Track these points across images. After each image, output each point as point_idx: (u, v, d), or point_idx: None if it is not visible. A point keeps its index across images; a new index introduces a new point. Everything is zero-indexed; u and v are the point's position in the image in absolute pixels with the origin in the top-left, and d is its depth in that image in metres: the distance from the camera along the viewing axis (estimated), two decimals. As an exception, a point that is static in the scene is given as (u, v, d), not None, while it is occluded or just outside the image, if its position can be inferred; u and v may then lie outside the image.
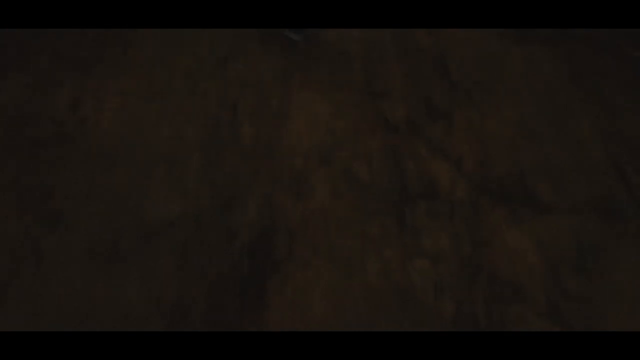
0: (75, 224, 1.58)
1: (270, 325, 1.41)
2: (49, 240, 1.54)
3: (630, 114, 2.08)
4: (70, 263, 1.50)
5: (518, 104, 2.13)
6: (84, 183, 1.67)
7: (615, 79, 2.23)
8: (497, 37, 2.47)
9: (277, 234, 1.60)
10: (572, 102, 2.11)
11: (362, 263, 1.57)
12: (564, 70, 2.28)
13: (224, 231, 1.59)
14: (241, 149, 1.80)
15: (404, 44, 2.37)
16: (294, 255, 1.56)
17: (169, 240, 1.56)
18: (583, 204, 1.79)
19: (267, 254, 1.56)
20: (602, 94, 2.15)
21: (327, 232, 1.62)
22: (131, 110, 1.88)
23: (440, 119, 2.08)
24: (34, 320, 1.38)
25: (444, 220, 1.71)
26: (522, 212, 1.77)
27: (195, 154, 1.77)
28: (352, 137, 1.90)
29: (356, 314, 1.46)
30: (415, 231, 1.66)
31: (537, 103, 2.13)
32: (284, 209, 1.65)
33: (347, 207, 1.69)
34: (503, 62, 2.33)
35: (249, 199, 1.67)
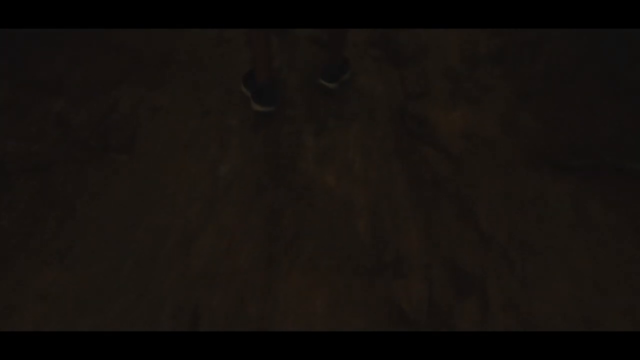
0: None
1: None
2: None
3: None
4: None
5: (571, 272, 1.52)
6: None
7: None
8: (527, 166, 1.86)
9: None
10: (648, 279, 1.49)
11: None
12: (621, 221, 1.66)
13: None
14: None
15: (418, 182, 1.77)
16: None
17: None
18: None
19: None
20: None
21: None
22: (53, 320, 1.27)
23: (471, 295, 1.46)
24: None
25: None
26: None
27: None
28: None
29: None
30: None
31: (597, 273, 1.52)
32: None
33: None
34: (543, 206, 1.72)
35: None
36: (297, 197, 1.63)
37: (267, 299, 1.34)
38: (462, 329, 1.36)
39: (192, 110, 1.95)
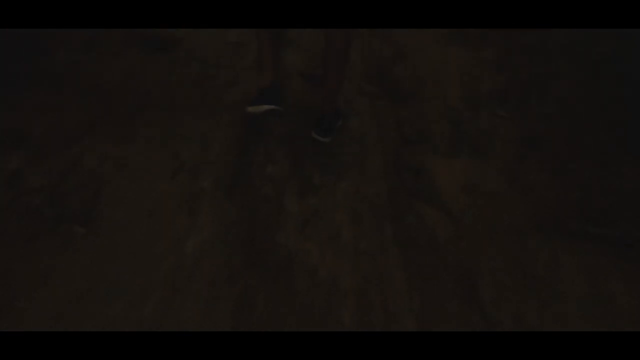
0: None
1: None
2: None
3: None
4: None
5: None
6: None
7: None
8: (536, 232, 1.60)
9: None
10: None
11: None
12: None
13: None
14: None
15: (414, 252, 1.51)
16: None
17: None
18: None
19: None
20: None
21: None
22: None
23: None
24: None
25: None
26: None
27: None
28: None
29: None
30: None
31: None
32: None
33: None
34: (556, 283, 1.46)
35: None
36: (273, 280, 1.37)
37: None
38: None
39: (162, 169, 1.69)
